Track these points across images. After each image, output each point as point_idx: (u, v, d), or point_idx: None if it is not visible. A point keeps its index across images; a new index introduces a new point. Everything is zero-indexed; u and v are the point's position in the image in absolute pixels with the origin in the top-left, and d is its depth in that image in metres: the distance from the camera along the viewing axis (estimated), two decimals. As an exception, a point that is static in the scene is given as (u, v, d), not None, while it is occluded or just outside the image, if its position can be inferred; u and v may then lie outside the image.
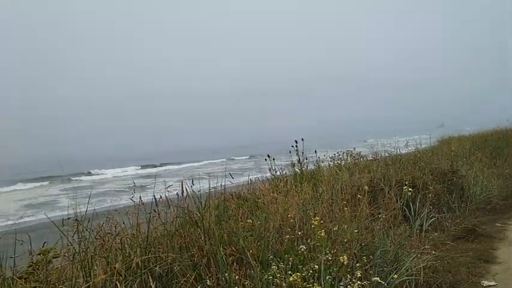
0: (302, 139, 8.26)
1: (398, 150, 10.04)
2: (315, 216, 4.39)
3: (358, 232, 4.78)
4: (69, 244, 3.98)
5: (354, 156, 9.56)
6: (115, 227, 4.72)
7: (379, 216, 5.65)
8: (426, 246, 5.47)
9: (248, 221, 4.49)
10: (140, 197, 4.91)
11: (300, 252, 4.02)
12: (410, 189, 6.39)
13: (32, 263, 3.97)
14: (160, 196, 4.84)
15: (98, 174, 49.10)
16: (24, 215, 19.24)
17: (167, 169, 51.22)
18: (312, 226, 4.22)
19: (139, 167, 55.79)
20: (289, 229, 4.49)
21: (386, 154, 9.60)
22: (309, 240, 4.26)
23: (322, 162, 8.99)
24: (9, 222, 15.96)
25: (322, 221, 4.34)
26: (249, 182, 7.28)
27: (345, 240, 4.48)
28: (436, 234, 6.36)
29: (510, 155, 12.40)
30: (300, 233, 4.44)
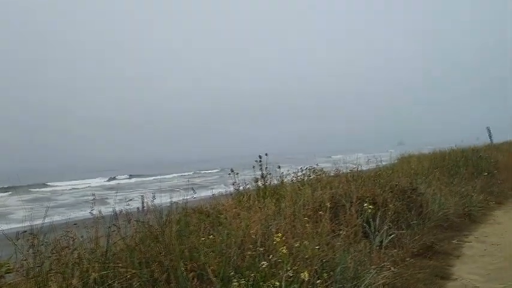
0: (266, 154, 8.28)
1: (359, 166, 10.18)
2: (277, 233, 4.40)
3: (319, 248, 4.81)
4: (24, 259, 3.86)
5: (316, 172, 9.64)
6: (73, 240, 4.60)
7: (340, 232, 5.70)
8: (385, 263, 5.55)
9: (210, 236, 4.46)
10: (100, 211, 4.81)
11: (261, 268, 4.02)
12: (370, 206, 6.49)
13: (-17, 278, 3.83)
14: (121, 210, 4.76)
15: (60, 186, 47.82)
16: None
17: (136, 181, 50.54)
18: (274, 242, 4.23)
19: (107, 179, 54.84)
20: (251, 245, 4.48)
21: (348, 170, 9.72)
22: (270, 257, 4.26)
23: (286, 177, 9.03)
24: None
25: (284, 237, 4.35)
26: (212, 196, 7.24)
27: (306, 256, 4.50)
28: (395, 250, 6.45)
29: (466, 174, 12.78)
30: (261, 249, 4.44)
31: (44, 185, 47.88)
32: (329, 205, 6.28)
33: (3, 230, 4.21)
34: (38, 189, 42.81)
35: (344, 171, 9.75)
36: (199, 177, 49.59)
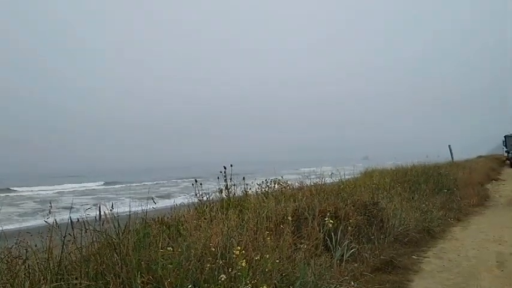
0: (231, 165, 8.25)
1: (324, 179, 10.25)
2: (238, 245, 4.36)
3: (279, 262, 4.79)
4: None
5: (281, 184, 9.65)
6: (25, 249, 4.43)
7: (302, 246, 5.70)
8: (345, 277, 5.57)
9: (168, 248, 4.37)
10: (55, 218, 4.65)
11: (220, 281, 3.96)
12: (331, 221, 6.52)
13: None
14: (78, 219, 4.61)
15: (26, 191, 46.24)
16: None
17: (109, 188, 49.77)
18: (234, 255, 4.19)
19: (80, 185, 53.66)
20: (211, 258, 4.41)
21: (312, 183, 9.77)
22: (230, 270, 4.21)
23: (251, 189, 9.00)
24: None
25: (245, 250, 4.31)
26: (174, 206, 7.14)
27: (266, 270, 4.47)
28: (355, 265, 6.49)
29: (427, 190, 13.05)
30: (221, 262, 4.38)
31: (8, 190, 46.48)
32: (291, 218, 6.29)
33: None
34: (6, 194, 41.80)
35: (308, 183, 9.80)
36: (170, 186, 49.51)
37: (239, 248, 4.13)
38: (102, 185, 55.41)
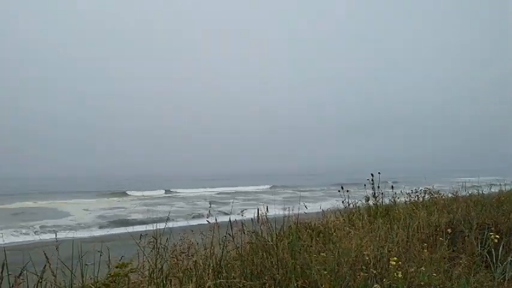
0: (379, 173, 8.10)
1: (480, 190, 9.56)
2: (392, 256, 4.26)
3: (436, 276, 4.56)
4: (146, 260, 4.11)
5: (432, 194, 9.18)
6: (188, 247, 4.81)
7: (461, 260, 5.37)
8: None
9: (322, 254, 4.42)
10: (216, 220, 4.98)
11: (374, 291, 3.89)
12: (497, 236, 6.04)
13: (110, 275, 4.12)
14: (236, 220, 4.88)
15: (186, 193, 51.12)
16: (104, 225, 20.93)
17: (272, 191, 53.94)
18: (388, 266, 4.10)
19: (250, 187, 58.68)
20: (364, 266, 4.36)
21: (468, 194, 9.19)
22: (384, 280, 4.12)
23: (398, 198, 8.72)
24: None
25: (399, 261, 4.19)
26: (322, 212, 7.21)
27: (422, 283, 4.29)
28: (521, 285, 5.92)
29: None
30: (374, 271, 4.30)
31: (169, 191, 51.99)
32: (450, 231, 5.98)
33: (130, 232, 4.52)
34: (168, 195, 47.37)
35: (463, 194, 9.22)
36: (319, 191, 50.81)
37: (395, 258, 4.02)
38: (269, 188, 58.70)
